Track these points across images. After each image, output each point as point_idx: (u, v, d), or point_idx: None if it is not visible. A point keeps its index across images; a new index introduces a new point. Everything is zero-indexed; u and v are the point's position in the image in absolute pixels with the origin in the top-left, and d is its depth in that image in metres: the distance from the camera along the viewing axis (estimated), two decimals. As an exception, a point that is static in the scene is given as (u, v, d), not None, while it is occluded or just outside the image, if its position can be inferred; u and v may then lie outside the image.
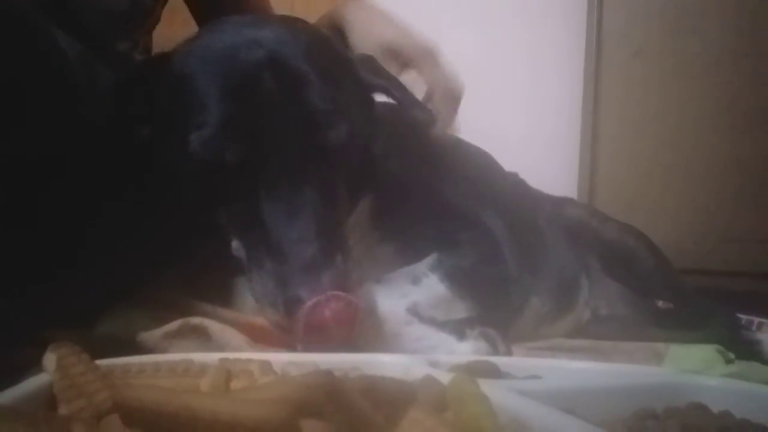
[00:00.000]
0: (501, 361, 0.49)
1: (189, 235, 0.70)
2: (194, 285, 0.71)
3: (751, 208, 1.71)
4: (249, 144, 0.60)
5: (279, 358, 0.46)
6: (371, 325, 0.70)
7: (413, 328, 0.70)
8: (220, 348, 0.61)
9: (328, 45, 0.71)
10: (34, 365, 0.37)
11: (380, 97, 0.76)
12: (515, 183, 1.16)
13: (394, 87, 0.75)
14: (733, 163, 1.75)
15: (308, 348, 0.57)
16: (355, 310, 0.58)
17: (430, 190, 0.86)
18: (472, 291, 0.77)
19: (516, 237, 0.94)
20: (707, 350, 0.59)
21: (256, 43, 0.63)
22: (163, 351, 0.59)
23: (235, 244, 0.65)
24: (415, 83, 0.83)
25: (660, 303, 1.17)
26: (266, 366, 0.41)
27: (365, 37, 0.81)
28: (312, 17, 0.92)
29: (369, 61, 0.76)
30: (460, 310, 0.76)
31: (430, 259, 0.77)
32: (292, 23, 0.72)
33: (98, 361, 0.38)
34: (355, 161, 0.68)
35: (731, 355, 0.63)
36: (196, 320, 0.63)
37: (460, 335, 0.71)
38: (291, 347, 0.60)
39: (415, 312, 0.71)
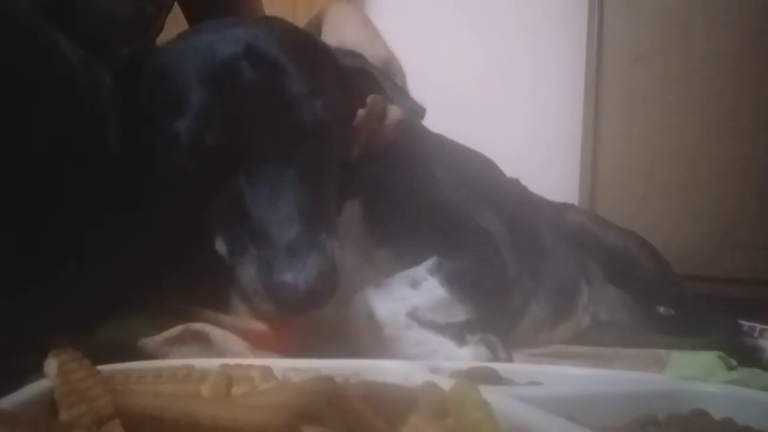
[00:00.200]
0: (502, 367, 0.49)
1: (185, 240, 0.70)
2: (194, 291, 0.71)
3: (753, 214, 1.70)
4: (228, 128, 0.61)
5: (280, 364, 0.46)
6: (371, 329, 0.70)
7: (413, 332, 0.71)
8: (221, 354, 0.62)
9: (302, 35, 0.73)
10: (35, 371, 0.37)
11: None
12: (516, 188, 1.16)
13: (379, 75, 0.75)
14: (734, 169, 1.74)
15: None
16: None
17: (424, 193, 0.86)
18: (472, 294, 0.77)
19: (516, 242, 0.94)
20: (709, 357, 0.59)
21: (233, 38, 0.65)
22: (165, 357, 0.60)
23: (218, 242, 0.65)
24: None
25: (661, 309, 1.16)
26: (267, 372, 0.41)
27: (331, 35, 0.82)
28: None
29: (357, 55, 0.77)
30: (460, 314, 0.76)
31: (430, 263, 0.77)
32: (269, 20, 0.75)
33: (99, 367, 0.38)
34: (338, 140, 0.69)
35: (733, 362, 0.63)
36: (197, 326, 0.64)
37: (461, 340, 0.71)
38: (292, 353, 0.60)
39: (414, 316, 0.72)
